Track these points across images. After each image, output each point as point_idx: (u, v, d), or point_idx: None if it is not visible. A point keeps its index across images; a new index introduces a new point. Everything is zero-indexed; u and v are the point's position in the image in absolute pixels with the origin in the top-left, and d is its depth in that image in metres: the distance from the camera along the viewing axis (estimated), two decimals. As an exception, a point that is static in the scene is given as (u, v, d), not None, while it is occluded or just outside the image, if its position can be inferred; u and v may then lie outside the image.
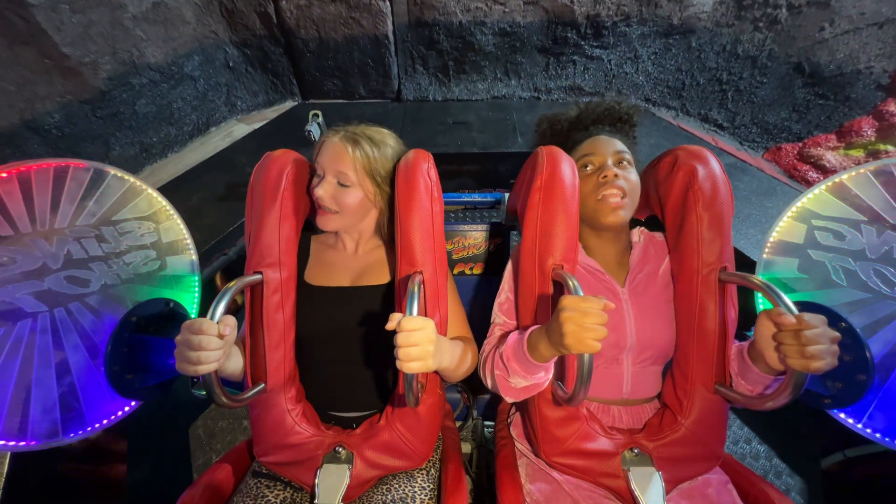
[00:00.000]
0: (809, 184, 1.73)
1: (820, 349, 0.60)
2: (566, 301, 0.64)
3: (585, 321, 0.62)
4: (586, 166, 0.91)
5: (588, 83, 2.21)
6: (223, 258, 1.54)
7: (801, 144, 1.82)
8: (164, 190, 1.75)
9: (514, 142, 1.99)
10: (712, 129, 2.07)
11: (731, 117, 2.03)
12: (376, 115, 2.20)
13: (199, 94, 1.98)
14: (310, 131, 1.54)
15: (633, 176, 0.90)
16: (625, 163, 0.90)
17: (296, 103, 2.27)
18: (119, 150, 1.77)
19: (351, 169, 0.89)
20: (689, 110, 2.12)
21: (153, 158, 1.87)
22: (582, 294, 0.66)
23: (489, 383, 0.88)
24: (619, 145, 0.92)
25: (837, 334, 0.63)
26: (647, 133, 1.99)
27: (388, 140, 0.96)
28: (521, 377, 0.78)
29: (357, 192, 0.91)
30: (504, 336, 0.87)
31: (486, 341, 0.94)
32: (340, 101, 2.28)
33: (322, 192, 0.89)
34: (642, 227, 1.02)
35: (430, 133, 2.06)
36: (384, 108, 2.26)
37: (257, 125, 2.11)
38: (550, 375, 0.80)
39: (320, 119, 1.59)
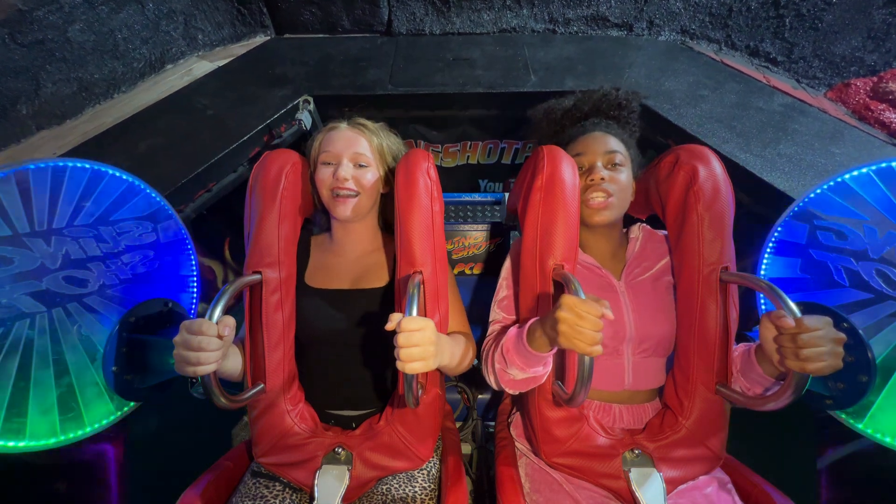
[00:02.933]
0: (885, 126, 1.43)
1: (817, 351, 0.61)
2: (565, 300, 0.64)
3: (580, 324, 0.62)
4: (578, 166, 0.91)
5: (614, 12, 1.85)
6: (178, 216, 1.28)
7: (875, 79, 1.50)
8: (108, 135, 1.46)
9: (525, 80, 1.66)
10: (763, 64, 1.74)
11: (787, 50, 1.69)
12: (363, 53, 1.86)
13: (149, 23, 1.65)
14: (300, 120, 1.43)
15: (624, 176, 0.90)
16: (616, 163, 0.90)
17: (268, 38, 1.94)
18: (52, 88, 1.48)
19: (367, 150, 0.96)
20: (736, 43, 1.78)
21: (96, 99, 1.57)
22: (583, 296, 0.65)
23: (491, 379, 0.87)
24: (611, 144, 0.92)
25: (843, 336, 0.63)
26: (684, 70, 1.68)
27: (384, 128, 1.03)
28: (518, 369, 0.77)
29: (374, 171, 0.97)
30: (504, 330, 0.86)
31: (486, 338, 0.93)
32: (320, 35, 1.94)
33: (345, 173, 0.91)
34: (643, 224, 1.02)
35: (427, 71, 1.73)
36: (372, 44, 1.91)
37: (222, 63, 1.79)
38: (549, 370, 0.80)
39: (311, 106, 1.47)
